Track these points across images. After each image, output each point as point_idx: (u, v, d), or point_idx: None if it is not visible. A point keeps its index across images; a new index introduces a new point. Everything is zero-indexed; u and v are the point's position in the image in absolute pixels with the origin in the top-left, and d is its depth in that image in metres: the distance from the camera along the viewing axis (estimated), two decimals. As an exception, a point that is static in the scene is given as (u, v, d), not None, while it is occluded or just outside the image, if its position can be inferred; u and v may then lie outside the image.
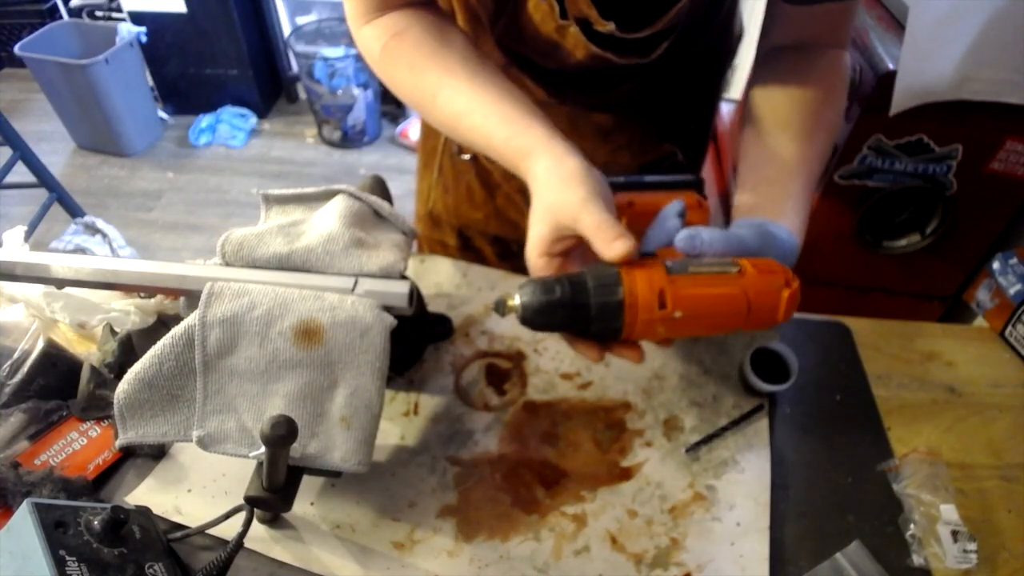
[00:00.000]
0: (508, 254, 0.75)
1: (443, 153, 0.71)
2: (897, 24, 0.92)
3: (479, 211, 0.71)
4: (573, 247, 0.41)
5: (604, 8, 0.47)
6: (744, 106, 0.54)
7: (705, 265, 0.39)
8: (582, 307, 0.37)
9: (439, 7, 0.53)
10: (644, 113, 0.62)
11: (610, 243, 0.36)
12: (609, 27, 0.48)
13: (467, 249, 0.76)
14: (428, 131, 0.73)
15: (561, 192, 0.39)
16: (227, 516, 0.43)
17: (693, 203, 0.49)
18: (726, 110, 1.30)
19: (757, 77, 0.54)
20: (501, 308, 0.39)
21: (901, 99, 0.82)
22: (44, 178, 1.77)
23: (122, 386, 0.42)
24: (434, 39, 0.48)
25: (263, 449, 0.39)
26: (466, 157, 0.68)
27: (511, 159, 0.44)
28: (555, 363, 0.58)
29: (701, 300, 0.38)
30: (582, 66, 0.53)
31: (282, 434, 0.37)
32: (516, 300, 0.39)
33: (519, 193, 0.68)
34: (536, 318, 0.38)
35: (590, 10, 0.47)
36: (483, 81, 0.46)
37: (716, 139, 1.38)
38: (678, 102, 0.63)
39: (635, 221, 0.46)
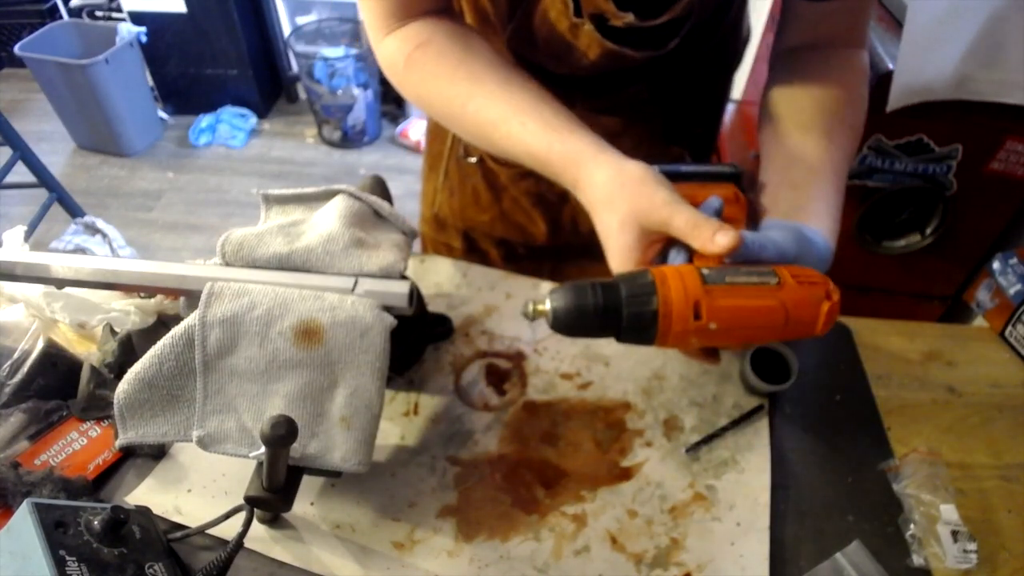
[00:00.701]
0: (514, 256, 0.75)
1: (449, 156, 0.70)
2: (897, 24, 0.92)
3: (485, 214, 0.71)
4: (659, 253, 0.41)
5: (620, 0, 0.47)
6: (762, 107, 0.53)
7: (743, 274, 0.37)
8: (614, 315, 0.37)
9: (461, 17, 0.53)
10: (652, 116, 0.62)
11: (712, 239, 0.36)
12: (628, 18, 0.47)
13: (472, 252, 0.76)
14: (434, 134, 0.72)
15: (640, 198, 0.39)
16: (227, 516, 0.43)
17: (730, 196, 0.46)
18: (726, 111, 1.30)
19: (775, 78, 0.53)
20: (530, 313, 0.38)
21: (898, 96, 0.82)
22: (44, 178, 1.77)
23: (122, 386, 0.42)
24: (459, 47, 0.48)
25: (263, 449, 0.39)
26: (472, 160, 0.68)
27: (555, 166, 0.43)
28: (555, 363, 0.58)
29: (738, 312, 0.36)
30: (595, 67, 0.53)
31: (282, 434, 0.37)
32: (547, 305, 0.38)
33: (526, 196, 0.68)
34: (567, 325, 0.37)
35: (607, 4, 0.47)
36: (517, 88, 0.45)
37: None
38: (686, 104, 0.63)
39: None
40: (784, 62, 0.54)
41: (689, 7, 0.48)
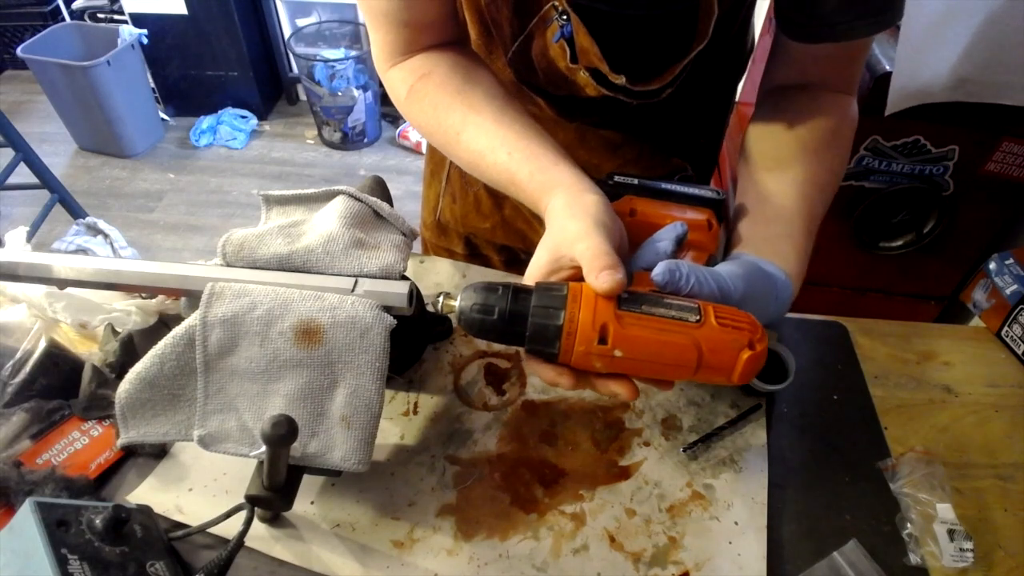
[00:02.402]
0: (515, 262, 0.75)
1: (451, 163, 0.71)
2: (894, 26, 0.93)
3: (487, 221, 0.71)
4: (573, 278, 0.40)
5: (614, 62, 0.47)
6: (743, 141, 0.53)
7: (663, 306, 0.36)
8: (519, 324, 0.36)
9: (469, 48, 0.53)
10: (653, 129, 0.61)
11: (597, 273, 0.35)
12: (620, 80, 0.47)
13: (474, 257, 0.76)
14: None
15: (568, 221, 0.39)
16: (228, 515, 0.43)
17: (702, 224, 0.45)
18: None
19: (760, 113, 0.53)
20: (440, 307, 0.37)
21: (896, 100, 0.83)
22: (46, 179, 1.77)
23: (123, 386, 0.43)
24: (460, 78, 0.48)
25: (264, 448, 0.39)
26: None
27: (533, 194, 0.44)
28: (554, 363, 0.58)
29: (646, 344, 0.35)
30: (592, 98, 0.54)
31: (283, 433, 0.37)
32: (456, 302, 0.37)
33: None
34: (472, 325, 0.37)
35: (601, 63, 0.47)
36: (509, 119, 0.46)
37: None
38: (688, 117, 0.63)
39: (633, 232, 0.43)
40: (771, 99, 0.53)
41: (682, 70, 0.48)
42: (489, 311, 0.36)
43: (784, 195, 0.47)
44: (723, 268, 0.40)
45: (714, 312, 0.36)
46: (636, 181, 0.47)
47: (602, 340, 0.35)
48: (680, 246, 0.41)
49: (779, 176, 0.48)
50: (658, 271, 0.37)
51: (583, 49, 0.48)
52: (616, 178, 0.47)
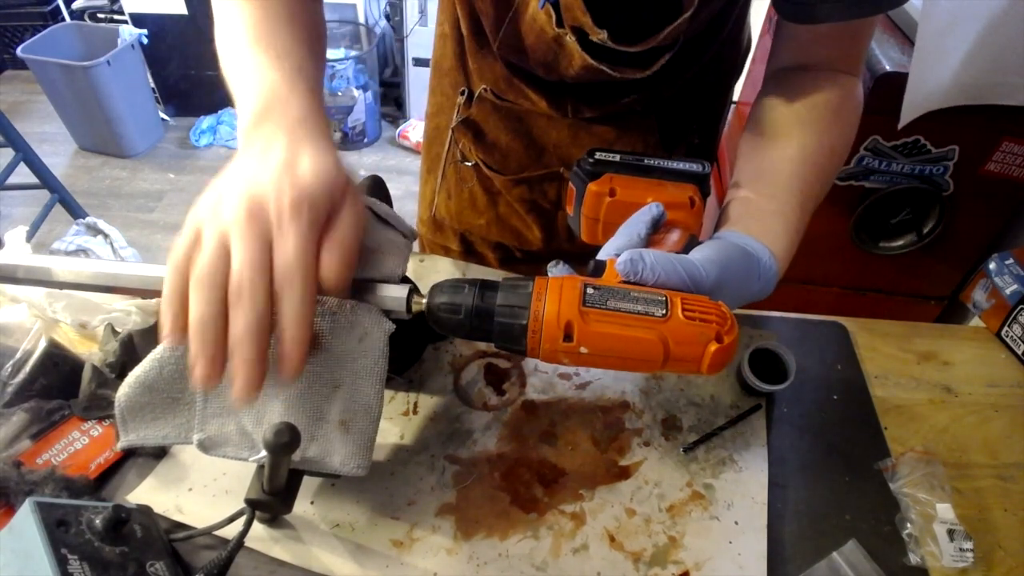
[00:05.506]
0: (510, 260, 0.75)
1: (447, 159, 0.71)
2: (894, 26, 0.93)
3: (481, 217, 0.71)
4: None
5: (599, 17, 0.47)
6: (747, 120, 0.53)
7: (629, 300, 0.35)
8: (486, 322, 0.36)
9: None
10: (647, 126, 0.61)
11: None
12: (601, 36, 0.47)
13: (469, 254, 0.76)
14: (432, 137, 0.73)
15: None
16: (230, 520, 0.43)
17: (684, 202, 0.43)
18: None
19: (764, 93, 0.52)
20: (408, 305, 0.37)
21: (908, 111, 0.82)
22: (46, 179, 1.77)
23: (123, 389, 0.43)
24: None
25: (263, 453, 0.39)
26: (469, 163, 0.69)
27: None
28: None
29: (611, 340, 0.35)
30: (580, 78, 0.53)
31: (285, 441, 0.37)
32: (424, 301, 0.37)
33: (519, 202, 0.68)
34: (441, 323, 0.37)
35: (584, 17, 0.47)
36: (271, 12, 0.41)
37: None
38: (682, 115, 0.63)
39: (613, 214, 0.42)
40: (775, 80, 0.53)
41: (674, 37, 0.48)
42: (456, 310, 0.36)
43: (778, 172, 0.46)
44: (697, 254, 0.39)
45: (682, 304, 0.36)
46: (618, 157, 0.46)
47: (568, 337, 0.35)
48: (657, 228, 0.40)
49: (774, 154, 0.47)
50: (620, 262, 0.37)
51: (567, 5, 0.47)
52: (597, 155, 0.46)
